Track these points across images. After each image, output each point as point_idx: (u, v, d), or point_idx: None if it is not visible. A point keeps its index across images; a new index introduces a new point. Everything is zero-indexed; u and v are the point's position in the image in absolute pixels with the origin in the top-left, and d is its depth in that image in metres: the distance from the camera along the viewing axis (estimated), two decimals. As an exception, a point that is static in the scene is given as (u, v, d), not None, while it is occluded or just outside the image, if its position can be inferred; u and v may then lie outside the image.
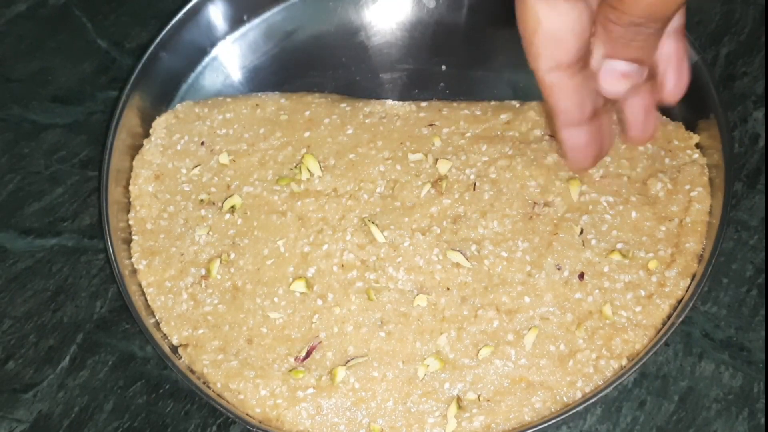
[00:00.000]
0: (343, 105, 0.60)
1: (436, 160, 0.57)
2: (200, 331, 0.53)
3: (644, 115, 0.47)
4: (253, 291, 0.54)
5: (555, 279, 0.52)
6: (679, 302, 0.51)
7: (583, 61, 0.41)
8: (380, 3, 0.65)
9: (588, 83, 0.42)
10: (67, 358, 0.56)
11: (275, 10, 0.66)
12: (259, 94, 0.62)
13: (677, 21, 0.43)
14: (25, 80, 0.66)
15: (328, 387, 0.50)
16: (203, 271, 0.55)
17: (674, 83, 0.45)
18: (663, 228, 0.53)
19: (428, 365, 0.50)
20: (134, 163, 0.59)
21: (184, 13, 0.62)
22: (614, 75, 0.41)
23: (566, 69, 0.41)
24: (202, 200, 0.57)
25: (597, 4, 0.40)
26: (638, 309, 0.51)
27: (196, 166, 0.58)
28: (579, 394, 0.49)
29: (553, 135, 0.57)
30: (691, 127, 0.57)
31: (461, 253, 0.53)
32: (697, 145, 0.57)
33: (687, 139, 0.57)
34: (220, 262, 0.55)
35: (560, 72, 0.41)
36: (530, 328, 0.51)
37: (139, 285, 0.55)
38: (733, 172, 0.53)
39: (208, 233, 0.56)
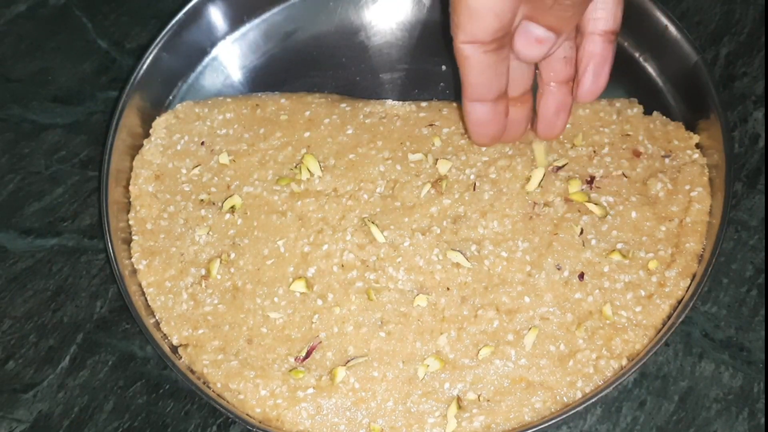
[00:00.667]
0: (343, 105, 0.60)
1: (436, 160, 0.57)
2: (200, 331, 0.53)
3: (555, 114, 0.50)
4: (253, 291, 0.54)
5: (555, 279, 0.52)
6: (679, 302, 0.51)
7: (499, 43, 0.42)
8: (380, 3, 0.65)
9: (500, 65, 0.44)
10: (67, 358, 0.56)
11: (275, 10, 0.66)
12: (259, 94, 0.62)
13: (609, 25, 0.45)
14: (25, 80, 0.66)
15: (328, 387, 0.50)
16: (203, 271, 0.55)
17: (590, 84, 0.47)
18: (663, 228, 0.53)
19: (428, 365, 0.50)
20: (134, 163, 0.59)
21: (184, 13, 0.62)
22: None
23: (480, 46, 0.42)
24: (202, 200, 0.57)
25: None
26: (638, 309, 0.51)
27: (196, 166, 0.58)
28: (579, 394, 0.49)
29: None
30: (691, 127, 0.57)
31: (461, 253, 0.53)
32: (697, 145, 0.57)
33: (687, 139, 0.57)
34: (220, 262, 0.55)
35: (474, 47, 0.42)
36: (530, 328, 0.51)
37: (139, 285, 0.55)
38: (733, 172, 0.53)
39: (208, 233, 0.56)
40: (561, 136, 0.57)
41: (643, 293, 0.51)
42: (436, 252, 0.53)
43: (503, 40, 0.43)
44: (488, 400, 0.49)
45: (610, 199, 0.54)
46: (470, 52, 0.43)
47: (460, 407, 0.49)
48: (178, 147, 0.59)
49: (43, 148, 0.63)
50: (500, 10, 0.41)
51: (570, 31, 0.45)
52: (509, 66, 0.46)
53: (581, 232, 0.53)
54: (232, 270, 0.54)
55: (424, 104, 0.60)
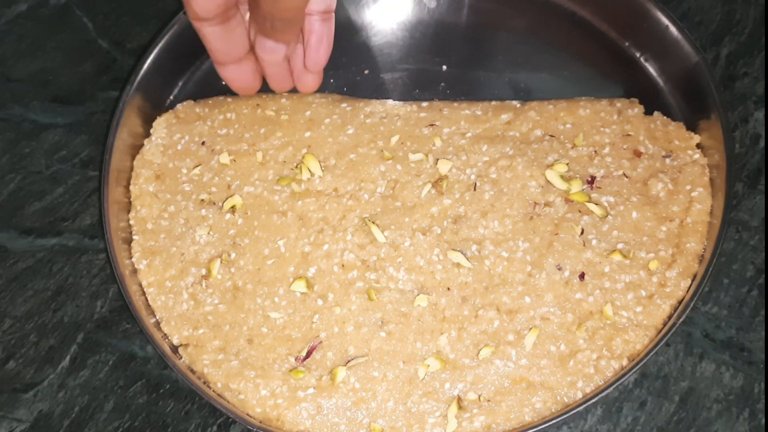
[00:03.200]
0: (343, 105, 0.60)
1: (437, 160, 0.57)
2: (200, 331, 0.53)
3: (302, 72, 0.58)
4: (253, 291, 0.54)
5: (555, 279, 0.52)
6: (680, 302, 0.51)
7: (222, 18, 0.51)
8: (381, 3, 0.65)
9: (231, 34, 0.53)
10: (68, 357, 0.56)
11: (276, 10, 0.66)
12: (260, 94, 0.62)
13: (324, 5, 0.53)
14: (25, 80, 0.66)
15: (328, 387, 0.50)
16: (204, 271, 0.55)
17: (310, 56, 0.56)
18: (664, 228, 0.53)
19: (429, 365, 0.50)
20: (135, 162, 0.59)
21: (185, 13, 0.62)
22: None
23: (204, 21, 0.51)
24: (202, 200, 0.57)
25: None
26: (639, 309, 0.51)
27: (197, 166, 0.58)
28: (579, 395, 0.49)
29: (553, 135, 0.57)
30: (691, 127, 0.57)
31: (462, 253, 0.53)
32: (698, 146, 0.57)
33: (688, 140, 0.57)
34: (221, 262, 0.55)
35: (201, 22, 0.51)
36: (531, 329, 0.51)
37: (140, 285, 0.55)
38: (733, 172, 0.53)
39: (208, 233, 0.56)
40: (562, 136, 0.57)
41: (643, 293, 0.51)
42: (437, 252, 0.53)
43: (226, 16, 0.51)
44: (489, 400, 0.49)
45: (611, 199, 0.54)
46: (198, 26, 0.51)
47: (460, 407, 0.49)
48: (179, 147, 0.59)
49: (43, 148, 0.63)
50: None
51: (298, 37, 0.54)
52: (244, 34, 0.54)
53: (582, 232, 0.53)
54: (232, 270, 0.54)
55: (424, 104, 0.60)
